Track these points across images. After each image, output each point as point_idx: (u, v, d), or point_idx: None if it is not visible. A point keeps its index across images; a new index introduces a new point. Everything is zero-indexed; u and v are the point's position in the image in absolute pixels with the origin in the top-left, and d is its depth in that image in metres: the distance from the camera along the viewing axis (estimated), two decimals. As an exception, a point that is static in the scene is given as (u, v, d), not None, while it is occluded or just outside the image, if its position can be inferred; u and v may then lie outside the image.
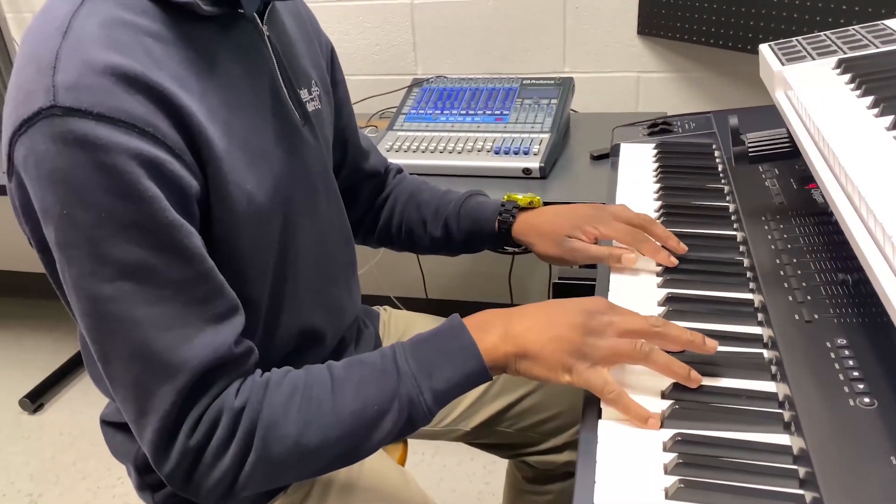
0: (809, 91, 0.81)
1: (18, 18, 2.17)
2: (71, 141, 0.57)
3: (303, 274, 0.80)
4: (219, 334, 0.64)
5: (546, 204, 1.34)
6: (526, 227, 0.94)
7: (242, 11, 0.71)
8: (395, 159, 1.51)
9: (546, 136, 1.50)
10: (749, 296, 0.77)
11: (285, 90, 0.77)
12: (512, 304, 2.13)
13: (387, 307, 1.12)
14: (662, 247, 0.85)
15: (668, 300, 0.77)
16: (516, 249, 1.00)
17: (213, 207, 0.67)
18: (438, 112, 1.65)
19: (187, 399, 0.63)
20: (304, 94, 0.82)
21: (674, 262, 0.83)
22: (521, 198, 0.98)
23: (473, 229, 0.98)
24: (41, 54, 0.59)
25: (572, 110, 1.71)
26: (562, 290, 1.02)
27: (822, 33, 0.95)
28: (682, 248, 0.85)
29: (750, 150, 0.86)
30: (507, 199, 0.98)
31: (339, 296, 0.88)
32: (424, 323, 1.09)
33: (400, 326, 1.08)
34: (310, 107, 0.83)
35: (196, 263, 0.63)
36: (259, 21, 0.75)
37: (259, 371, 0.69)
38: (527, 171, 1.44)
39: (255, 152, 0.71)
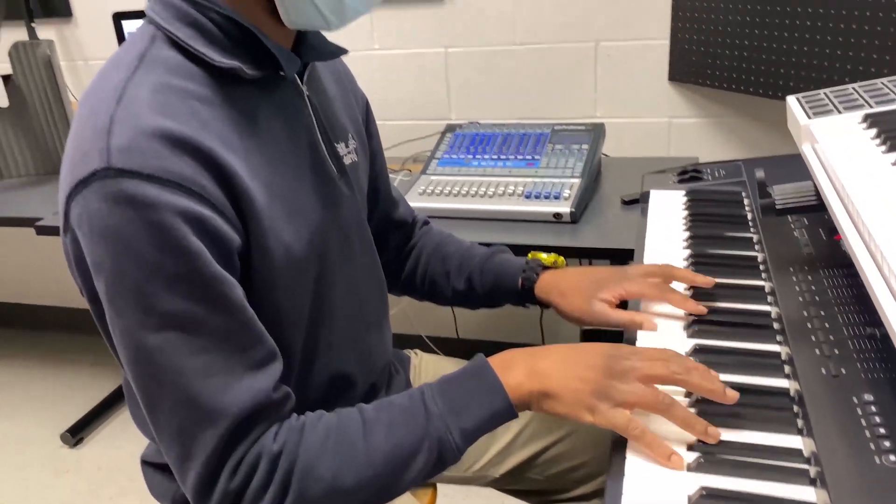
0: (835, 146, 0.82)
1: (71, 66, 2.28)
2: (122, 200, 0.61)
3: (336, 321, 0.83)
4: (258, 381, 0.67)
5: (576, 250, 1.37)
6: (549, 286, 0.96)
7: (284, 74, 0.75)
8: (428, 203, 1.56)
9: (577, 181, 1.52)
10: (776, 348, 0.78)
11: (323, 145, 0.81)
12: (544, 344, 2.14)
13: (417, 351, 1.14)
14: (690, 294, 0.86)
15: (696, 351, 0.78)
16: (538, 307, 1.02)
17: (253, 259, 0.70)
18: (471, 157, 1.68)
19: (228, 444, 0.65)
20: (341, 147, 0.86)
21: (702, 309, 0.84)
22: (546, 257, 1.01)
23: (496, 284, 1.01)
24: (97, 118, 0.64)
25: (604, 154, 1.73)
26: (591, 338, 1.03)
27: (849, 86, 0.97)
28: (710, 280, 0.87)
29: (777, 203, 0.87)
30: (531, 258, 1.01)
31: (371, 342, 0.91)
32: (454, 367, 1.10)
33: (430, 371, 1.10)
34: (346, 160, 0.86)
35: (237, 314, 0.66)
36: (299, 81, 0.79)
37: (295, 415, 0.72)
38: (557, 215, 1.46)
39: (293, 206, 0.74)
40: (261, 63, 0.73)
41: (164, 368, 0.64)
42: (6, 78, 1.98)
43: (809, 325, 0.77)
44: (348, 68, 0.99)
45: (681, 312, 0.86)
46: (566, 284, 0.94)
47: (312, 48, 0.81)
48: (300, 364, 0.80)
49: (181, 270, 0.63)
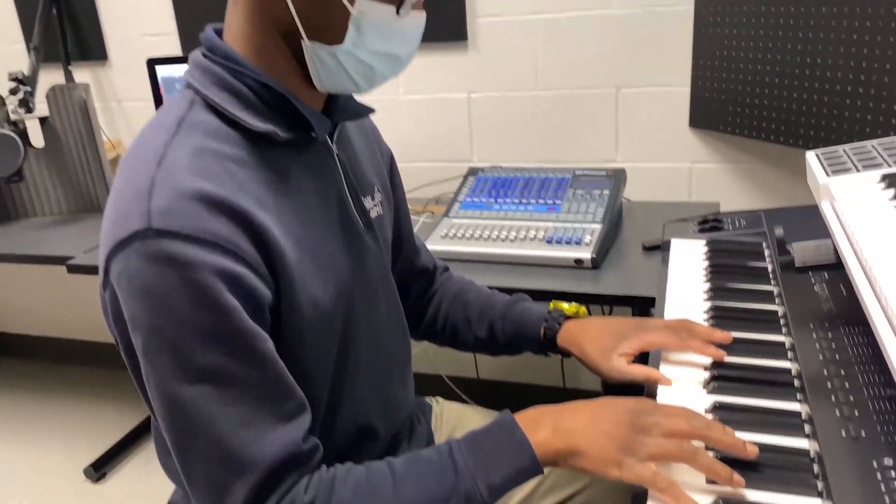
0: (853, 205, 0.83)
1: (105, 107, 2.35)
2: (162, 260, 0.64)
3: (361, 372, 0.85)
4: (289, 432, 0.69)
5: (598, 297, 1.38)
6: (571, 337, 0.98)
7: (315, 135, 0.78)
8: (450, 247, 1.58)
9: (598, 226, 1.53)
10: (796, 406, 0.78)
11: (351, 201, 0.84)
12: (564, 388, 2.15)
13: (438, 399, 1.16)
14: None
15: (715, 408, 0.79)
16: (559, 356, 1.03)
17: (283, 313, 0.73)
18: (493, 200, 1.70)
19: (260, 494, 0.67)
20: (367, 201, 0.88)
21: (722, 353, 0.86)
22: (567, 307, 1.02)
23: (518, 333, 1.02)
24: (139, 180, 0.67)
25: (625, 198, 1.75)
26: (613, 388, 1.04)
27: (868, 143, 0.98)
28: (728, 336, 0.88)
29: (796, 261, 0.88)
30: (553, 308, 1.02)
31: (395, 392, 0.92)
32: (475, 416, 1.13)
33: (451, 420, 1.11)
34: (373, 213, 0.89)
35: (269, 367, 0.69)
36: (329, 140, 0.83)
37: (325, 467, 0.73)
38: (578, 261, 1.47)
39: (322, 261, 0.77)
40: (294, 125, 0.76)
41: (197, 420, 0.66)
42: (43, 120, 2.05)
43: (829, 385, 0.77)
44: (374, 123, 1.02)
45: (701, 363, 0.87)
46: (587, 336, 0.96)
47: (342, 108, 0.84)
48: (325, 414, 0.82)
49: (216, 326, 0.65)
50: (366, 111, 0.87)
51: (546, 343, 1.01)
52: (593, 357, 0.93)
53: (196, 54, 0.77)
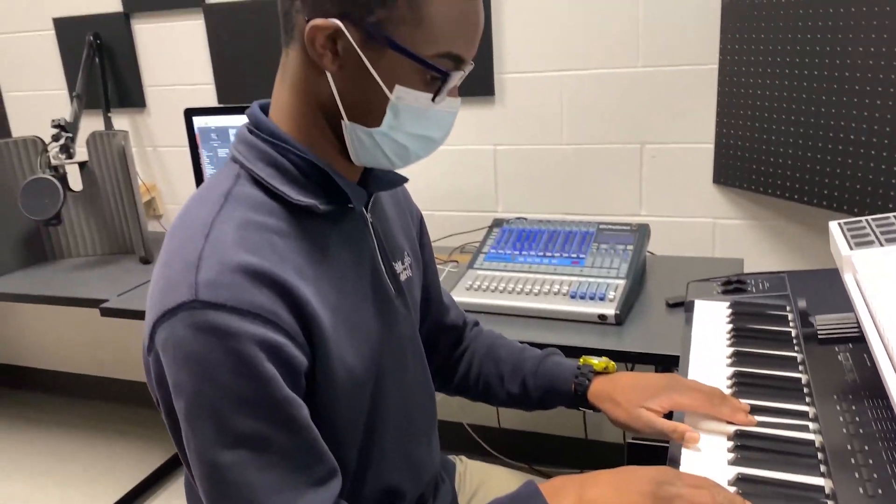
0: (875, 280, 0.84)
1: (141, 152, 2.42)
2: (206, 329, 0.67)
3: (389, 435, 0.87)
4: (321, 497, 0.72)
5: (621, 354, 1.39)
6: (601, 392, 1.00)
7: (353, 207, 0.82)
8: (474, 299, 1.60)
9: (622, 282, 1.55)
10: (819, 481, 0.78)
11: (383, 267, 0.87)
12: (586, 439, 2.14)
13: (462, 457, 1.17)
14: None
15: (738, 481, 0.80)
16: (589, 411, 1.04)
17: (317, 379, 0.76)
18: (517, 252, 1.72)
19: None
20: (398, 266, 0.91)
21: (752, 420, 0.87)
22: (597, 363, 1.04)
23: (549, 389, 1.04)
24: (187, 253, 0.71)
25: (649, 252, 1.77)
26: (636, 450, 1.05)
27: (891, 215, 0.99)
28: (752, 420, 0.88)
29: (819, 333, 0.89)
30: (583, 363, 1.04)
31: (421, 454, 0.94)
32: (499, 476, 1.14)
33: (475, 479, 1.12)
34: (402, 276, 0.92)
35: (304, 433, 0.72)
36: (364, 210, 0.86)
37: None
38: (602, 317, 1.48)
39: (355, 326, 0.80)
40: (332, 198, 0.80)
41: (234, 484, 0.69)
42: (82, 164, 2.12)
43: (853, 460, 0.78)
44: (405, 188, 1.05)
45: (724, 430, 0.88)
46: (617, 392, 0.98)
47: (377, 179, 0.88)
48: (353, 476, 0.84)
49: (255, 394, 0.68)
50: (400, 180, 0.90)
51: (577, 398, 1.03)
52: (622, 412, 0.95)
53: (242, 130, 0.82)
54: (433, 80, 0.76)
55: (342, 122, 0.77)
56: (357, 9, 0.71)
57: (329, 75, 0.75)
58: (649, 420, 0.92)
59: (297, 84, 0.78)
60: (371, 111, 0.76)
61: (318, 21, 0.72)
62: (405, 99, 0.75)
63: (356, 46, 0.72)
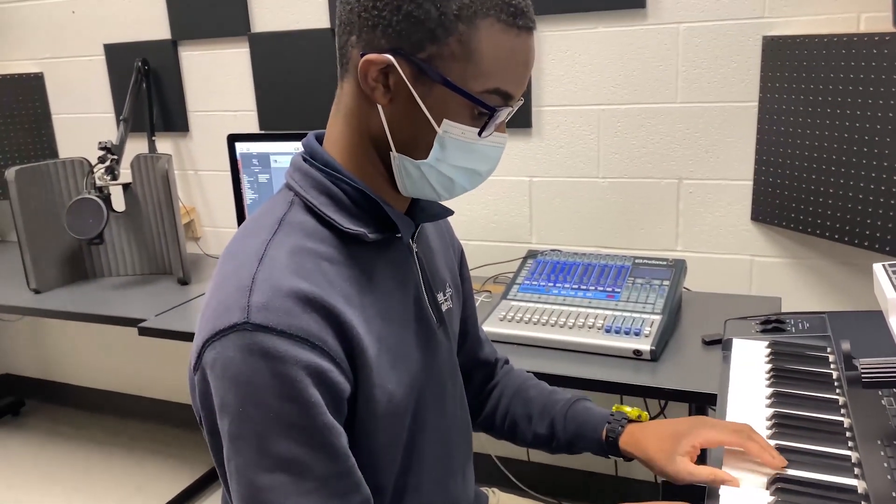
0: (923, 325, 0.83)
1: (183, 175, 2.47)
2: (256, 352, 0.68)
3: (426, 466, 0.87)
4: None
5: (656, 391, 1.38)
6: (633, 440, 0.99)
7: (400, 236, 0.83)
8: (508, 329, 1.60)
9: (658, 317, 1.54)
10: (864, 529, 0.77)
11: (426, 297, 0.88)
12: (616, 476, 2.11)
13: (494, 490, 1.16)
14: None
15: (779, 526, 0.78)
16: (619, 458, 1.04)
17: (358, 405, 0.76)
18: (551, 285, 1.72)
19: None
20: (440, 296, 0.92)
21: (781, 462, 0.86)
22: (630, 410, 1.04)
23: (579, 433, 1.04)
24: (241, 276, 0.72)
25: (685, 288, 1.75)
26: (672, 489, 1.04)
27: (937, 258, 0.98)
28: (782, 461, 0.87)
29: (863, 377, 0.88)
30: (615, 410, 1.04)
31: (456, 487, 0.94)
32: (531, 510, 1.13)
33: (507, 513, 1.11)
34: (444, 307, 0.93)
35: (341, 461, 0.72)
36: (410, 240, 0.87)
37: None
38: (637, 352, 1.47)
39: (398, 355, 0.81)
40: (380, 227, 0.81)
41: None
42: (125, 185, 2.17)
43: (898, 509, 0.76)
44: (448, 220, 1.06)
45: (763, 472, 0.87)
46: (648, 440, 0.97)
47: (423, 210, 0.89)
48: (388, 504, 0.84)
49: (298, 419, 0.69)
50: (445, 213, 0.91)
51: (607, 445, 1.02)
52: (658, 460, 0.94)
53: (297, 158, 0.84)
54: (481, 114, 0.77)
55: (391, 153, 0.79)
56: (408, 45, 0.73)
57: (380, 108, 0.77)
58: (686, 470, 0.91)
59: (349, 116, 0.80)
60: (419, 144, 0.77)
61: (372, 56, 0.74)
62: (452, 133, 0.76)
63: (407, 81, 0.74)
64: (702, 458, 0.95)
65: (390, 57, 0.74)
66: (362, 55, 0.75)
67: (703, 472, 0.89)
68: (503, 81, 0.76)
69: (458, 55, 0.73)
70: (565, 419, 1.05)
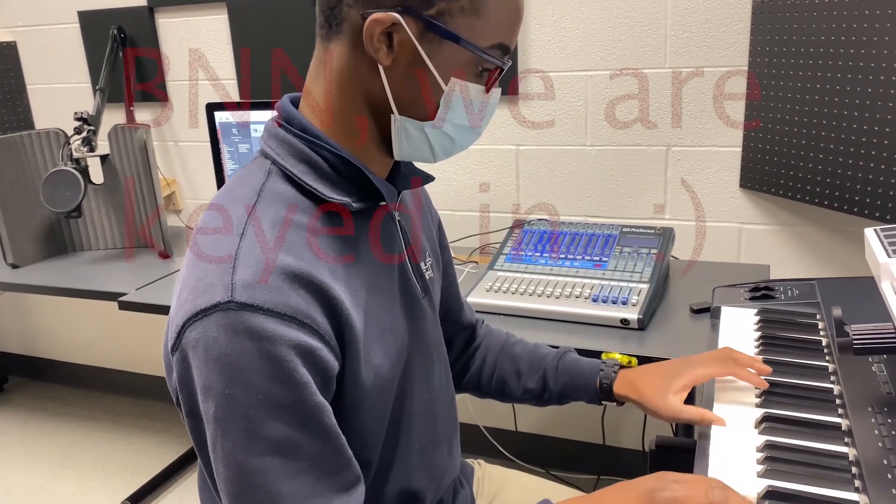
0: (916, 289, 0.81)
1: (163, 146, 2.42)
2: (242, 332, 0.65)
3: (412, 438, 0.85)
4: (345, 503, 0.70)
5: (644, 359, 1.36)
6: (627, 383, 1.01)
7: (383, 204, 0.80)
8: (494, 300, 1.58)
9: (645, 286, 1.52)
10: (854, 496, 0.76)
11: (410, 266, 0.85)
12: (603, 445, 2.11)
13: (481, 461, 1.15)
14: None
15: (768, 494, 0.77)
16: (611, 404, 1.06)
17: (345, 383, 0.74)
18: (538, 254, 1.70)
19: None
20: (422, 266, 0.90)
21: (767, 369, 0.96)
22: (620, 356, 1.07)
23: (571, 383, 1.05)
24: (221, 251, 0.69)
25: (673, 257, 1.74)
26: (659, 457, 1.03)
27: (930, 221, 0.96)
28: (767, 368, 0.96)
29: (855, 343, 0.86)
30: (606, 357, 1.05)
31: (442, 458, 0.92)
32: (518, 482, 1.13)
33: (494, 485, 1.10)
34: (427, 276, 0.90)
35: (332, 440, 0.70)
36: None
37: None
38: (625, 321, 1.46)
39: (384, 327, 0.78)
40: (363, 196, 0.78)
41: (261, 489, 0.67)
42: (103, 157, 2.12)
43: (890, 476, 0.75)
44: (426, 189, 1.04)
45: (750, 402, 0.88)
46: (642, 381, 0.99)
47: (404, 177, 0.86)
48: (374, 479, 0.82)
49: (288, 399, 0.66)
50: (428, 179, 0.88)
51: (601, 392, 1.03)
52: (650, 399, 0.97)
53: (271, 124, 0.80)
54: (483, 71, 0.75)
55: (392, 116, 0.76)
56: (416, 1, 0.70)
57: (381, 69, 0.73)
58: (676, 409, 0.95)
59: (342, 79, 0.75)
60: (423, 104, 0.75)
61: (379, 15, 0.70)
62: (458, 91, 0.74)
63: (414, 39, 0.71)
64: (690, 397, 0.99)
65: (397, 15, 0.70)
66: (364, 15, 0.71)
67: (693, 412, 0.93)
68: (505, 35, 0.74)
69: (468, 10, 0.71)
70: (556, 371, 1.06)
